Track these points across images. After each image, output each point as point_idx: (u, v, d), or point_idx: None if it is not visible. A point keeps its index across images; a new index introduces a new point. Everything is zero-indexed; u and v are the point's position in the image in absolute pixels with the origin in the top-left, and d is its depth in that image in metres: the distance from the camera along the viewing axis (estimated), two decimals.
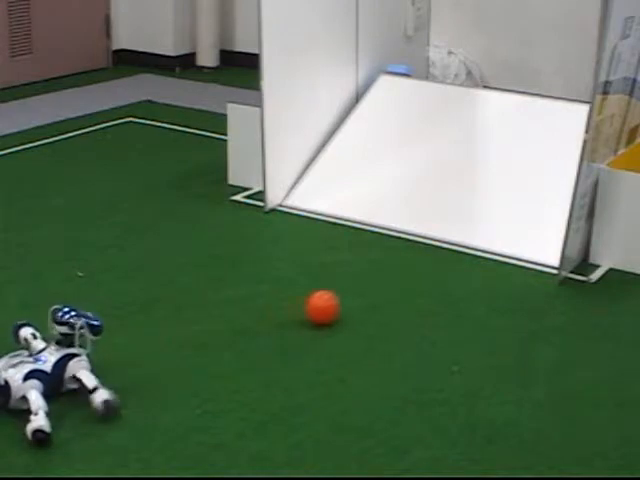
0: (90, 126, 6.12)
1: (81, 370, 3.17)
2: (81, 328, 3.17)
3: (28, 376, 3.09)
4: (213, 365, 3.46)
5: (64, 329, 3.18)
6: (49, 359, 3.15)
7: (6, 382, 3.07)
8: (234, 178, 5.13)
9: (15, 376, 3.08)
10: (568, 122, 4.66)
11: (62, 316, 3.19)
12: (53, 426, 3.02)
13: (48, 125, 6.11)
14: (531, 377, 3.43)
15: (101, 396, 3.08)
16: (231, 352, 3.56)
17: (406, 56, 5.79)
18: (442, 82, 6.26)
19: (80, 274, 4.07)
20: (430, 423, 3.15)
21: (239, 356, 3.53)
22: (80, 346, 3.20)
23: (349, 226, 4.67)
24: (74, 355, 3.19)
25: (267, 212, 4.83)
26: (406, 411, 3.22)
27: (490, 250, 4.38)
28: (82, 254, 4.32)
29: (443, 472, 2.92)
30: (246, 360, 3.50)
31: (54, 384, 3.13)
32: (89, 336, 3.20)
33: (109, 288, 3.98)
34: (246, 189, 5.05)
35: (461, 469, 2.93)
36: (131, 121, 6.30)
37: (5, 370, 3.09)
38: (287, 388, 3.33)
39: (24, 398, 3.06)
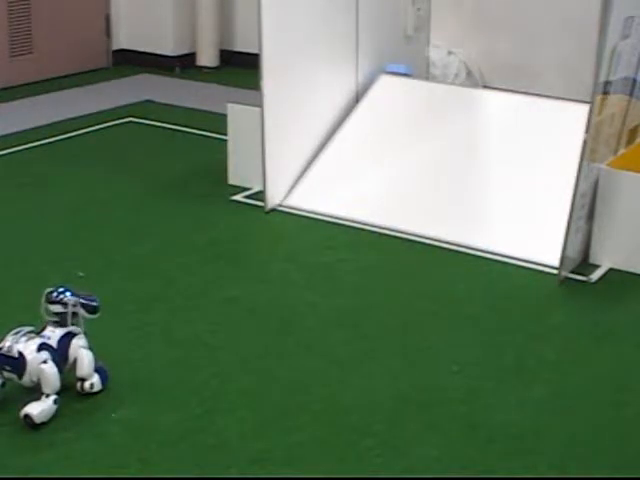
0: (90, 126, 6.12)
1: (82, 350, 3.20)
2: (74, 305, 3.19)
3: (41, 347, 3.09)
4: (213, 365, 3.46)
5: (57, 308, 3.19)
6: (53, 336, 3.16)
7: (20, 353, 3.06)
8: (234, 178, 5.13)
9: (29, 347, 3.07)
10: (568, 122, 4.66)
11: (56, 295, 3.20)
12: (53, 426, 3.03)
13: (48, 125, 6.11)
14: (531, 377, 3.43)
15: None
16: (231, 352, 3.56)
17: (406, 56, 5.79)
18: (442, 82, 6.26)
19: (81, 274, 4.07)
20: (430, 423, 3.15)
21: (239, 356, 3.53)
22: (73, 324, 3.21)
23: (349, 226, 4.66)
24: (75, 333, 3.21)
25: (267, 212, 4.83)
26: (406, 411, 3.22)
27: (490, 250, 4.38)
28: (82, 254, 4.32)
29: (443, 472, 2.92)
30: (246, 360, 3.50)
31: (59, 360, 3.13)
32: (85, 315, 3.22)
33: (109, 288, 3.98)
34: (246, 189, 5.05)
35: (461, 469, 2.93)
36: (131, 121, 6.30)
37: (17, 342, 3.08)
38: (287, 388, 3.33)
39: (40, 370, 3.06)
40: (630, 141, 4.54)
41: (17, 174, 5.35)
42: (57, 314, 3.20)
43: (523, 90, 5.52)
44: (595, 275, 4.19)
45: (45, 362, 3.07)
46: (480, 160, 4.95)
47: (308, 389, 3.33)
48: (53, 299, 3.20)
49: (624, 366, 3.53)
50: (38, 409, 3.03)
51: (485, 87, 6.32)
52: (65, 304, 3.19)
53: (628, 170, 4.24)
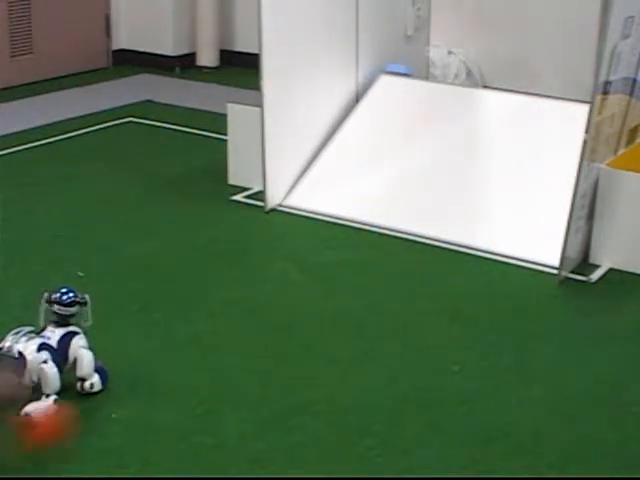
0: (90, 126, 6.12)
1: (82, 350, 3.20)
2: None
3: (41, 347, 3.10)
4: (213, 365, 3.46)
5: (75, 309, 3.20)
6: (52, 336, 3.16)
7: (21, 353, 3.07)
8: (234, 178, 5.13)
9: (29, 347, 3.08)
10: (568, 122, 4.66)
11: (67, 298, 3.19)
12: None
13: (48, 125, 6.11)
14: (531, 377, 3.43)
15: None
16: (231, 352, 3.56)
17: (406, 56, 5.79)
18: (442, 82, 6.26)
19: (80, 274, 4.07)
20: (430, 423, 3.15)
21: (239, 356, 3.53)
22: (72, 324, 3.21)
23: (349, 226, 4.66)
24: (75, 333, 3.21)
25: (267, 212, 4.83)
26: (406, 411, 3.22)
27: (490, 250, 4.38)
28: (82, 254, 4.32)
29: (443, 472, 2.92)
30: (246, 360, 3.50)
31: (59, 360, 3.14)
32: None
33: (109, 288, 3.98)
34: (246, 189, 5.05)
35: (461, 469, 2.93)
36: (131, 121, 6.30)
37: (17, 342, 3.08)
38: (287, 388, 3.33)
39: (40, 370, 3.07)
40: (630, 141, 4.54)
41: (17, 174, 5.34)
42: (72, 316, 3.21)
43: (523, 90, 5.52)
44: (595, 275, 4.19)
45: (45, 362, 3.07)
46: (480, 160, 4.95)
47: (308, 389, 3.33)
48: (67, 302, 3.19)
49: (624, 366, 3.53)
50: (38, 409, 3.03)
51: (485, 87, 6.32)
52: (85, 303, 3.20)
53: (628, 170, 4.24)
